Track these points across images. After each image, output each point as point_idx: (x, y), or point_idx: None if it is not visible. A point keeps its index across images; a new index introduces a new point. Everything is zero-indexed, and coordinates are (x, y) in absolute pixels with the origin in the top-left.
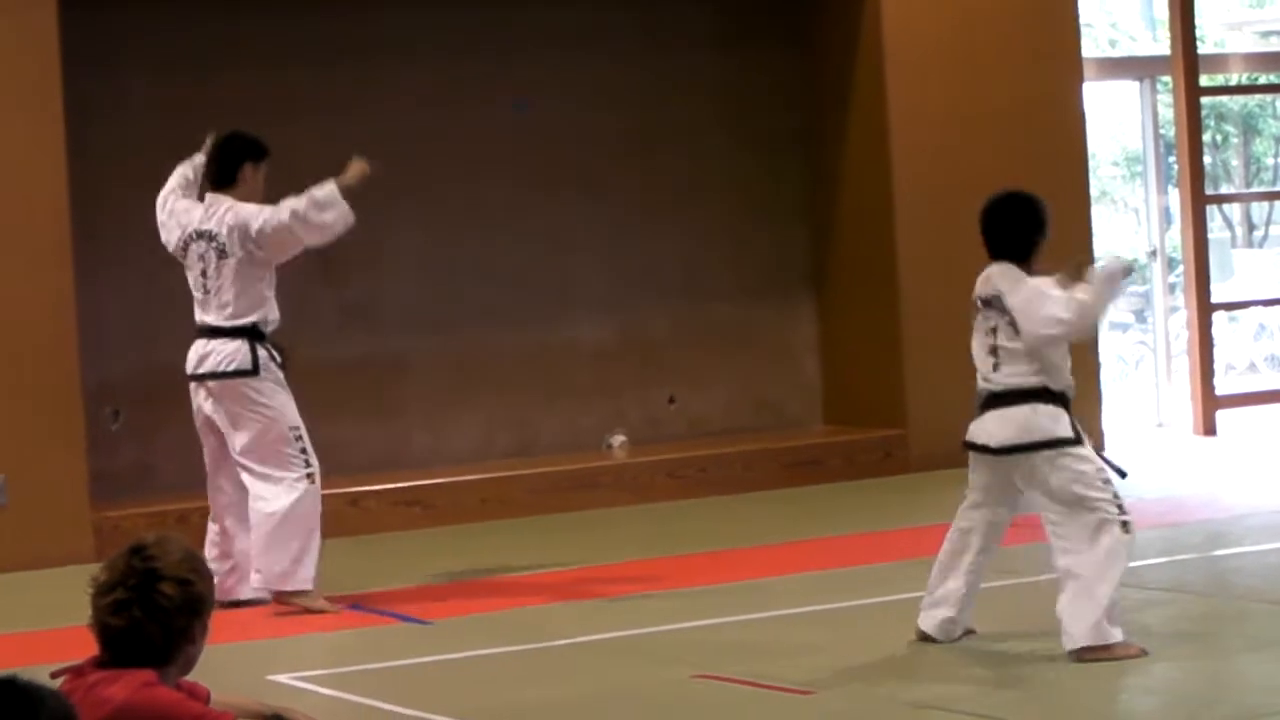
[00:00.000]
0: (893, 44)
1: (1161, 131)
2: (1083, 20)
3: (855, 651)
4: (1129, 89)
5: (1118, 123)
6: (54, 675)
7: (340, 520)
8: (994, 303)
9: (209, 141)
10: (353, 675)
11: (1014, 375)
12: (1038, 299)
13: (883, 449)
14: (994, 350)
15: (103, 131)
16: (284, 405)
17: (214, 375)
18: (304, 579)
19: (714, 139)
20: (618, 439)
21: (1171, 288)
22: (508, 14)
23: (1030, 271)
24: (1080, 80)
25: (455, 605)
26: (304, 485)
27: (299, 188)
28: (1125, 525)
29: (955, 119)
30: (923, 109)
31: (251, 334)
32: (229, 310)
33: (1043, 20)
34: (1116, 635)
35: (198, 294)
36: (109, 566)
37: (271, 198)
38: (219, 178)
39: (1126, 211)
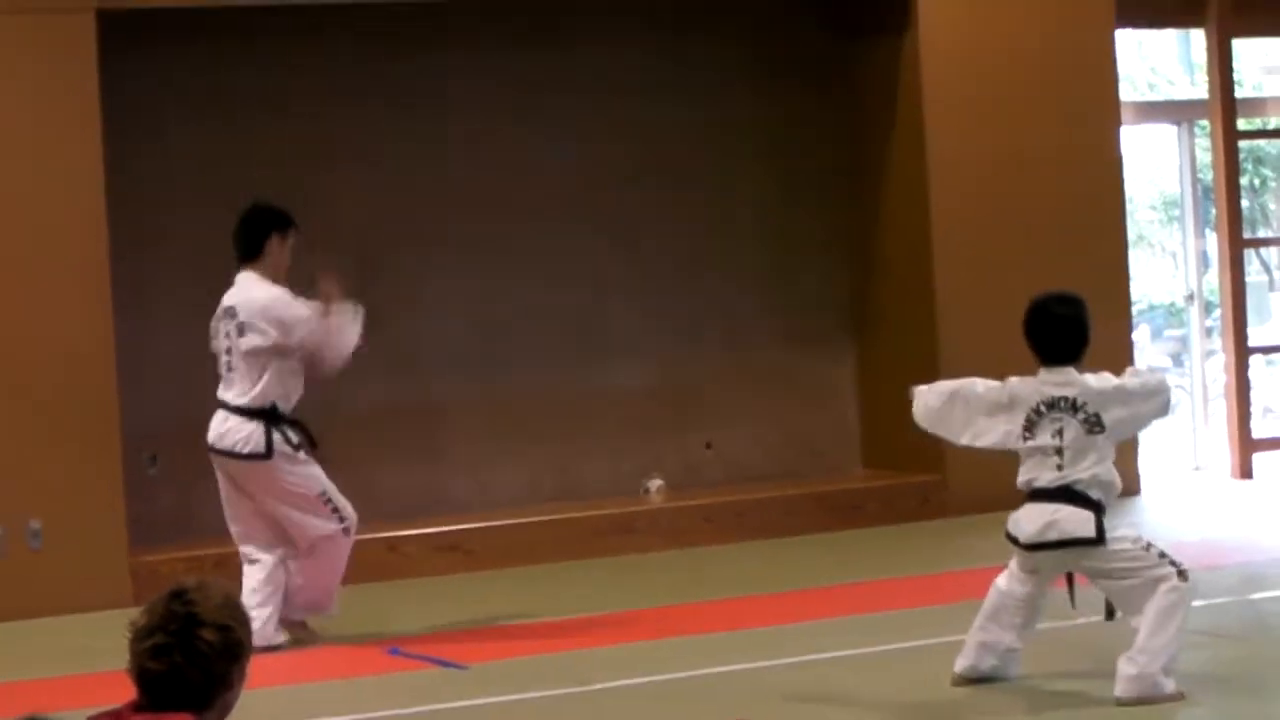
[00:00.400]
0: (931, 86)
1: (1199, 175)
2: (1121, 64)
3: (894, 696)
4: (1167, 133)
5: (1155, 166)
6: None
7: (379, 565)
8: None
9: None
10: None
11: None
12: None
13: (921, 494)
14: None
15: (143, 176)
16: (305, 476)
17: (230, 454)
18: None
19: (752, 181)
20: (655, 483)
21: (1209, 331)
22: (546, 57)
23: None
24: (1118, 124)
25: (494, 649)
26: (339, 537)
27: (338, 230)
28: (1182, 574)
29: (994, 162)
30: (962, 151)
31: (269, 416)
32: (248, 392)
33: (1081, 64)
34: (1168, 687)
35: (222, 370)
36: (149, 611)
37: (302, 256)
38: (245, 251)
39: (1164, 255)
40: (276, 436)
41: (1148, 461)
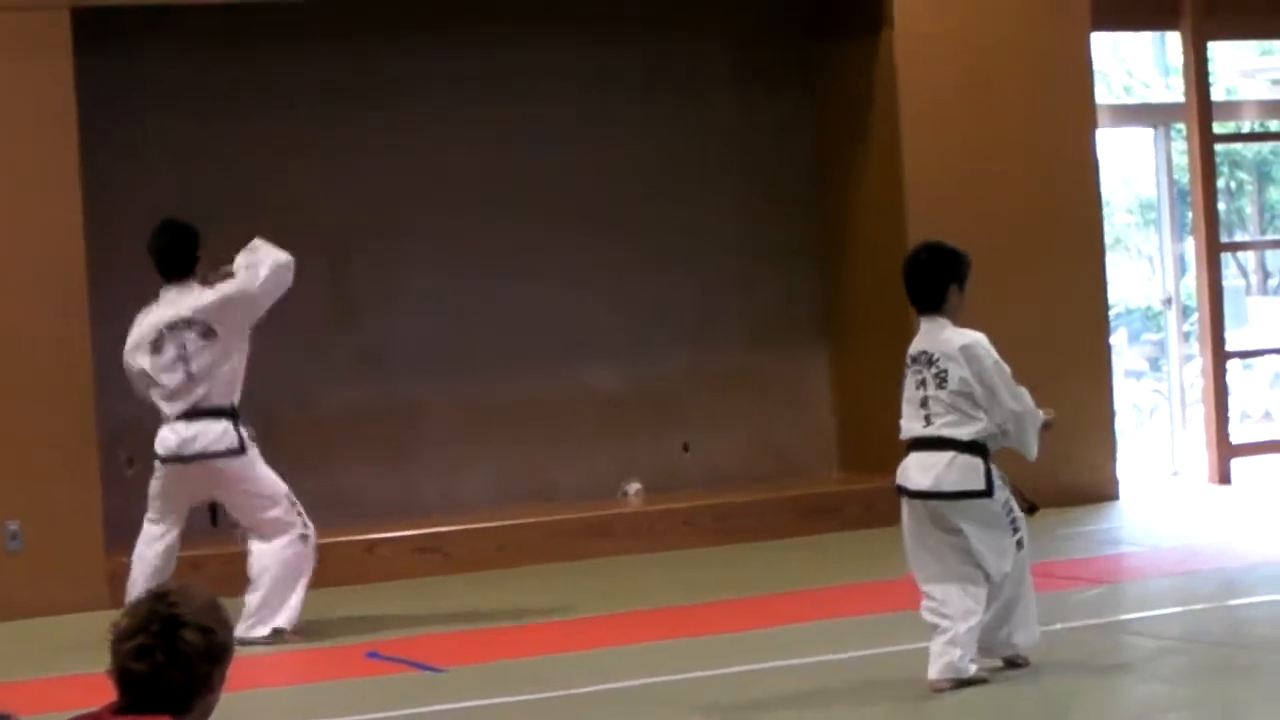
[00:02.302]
0: (906, 87)
1: (1175, 179)
2: (1096, 67)
3: (872, 700)
4: (1143, 136)
5: (1132, 170)
6: None
7: (356, 567)
8: None
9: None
10: None
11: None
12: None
13: (898, 496)
14: None
15: (119, 174)
16: (271, 477)
17: (205, 455)
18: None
19: (726, 180)
20: (633, 487)
21: (1186, 336)
22: (519, 55)
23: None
24: (1094, 127)
25: (471, 653)
26: (298, 545)
27: (311, 228)
28: None
29: (969, 165)
30: (936, 154)
31: (231, 415)
32: (216, 392)
33: (1056, 66)
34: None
35: (171, 382)
36: (131, 612)
37: (291, 246)
38: (178, 269)
39: (1141, 259)
40: (243, 431)
41: (1126, 466)
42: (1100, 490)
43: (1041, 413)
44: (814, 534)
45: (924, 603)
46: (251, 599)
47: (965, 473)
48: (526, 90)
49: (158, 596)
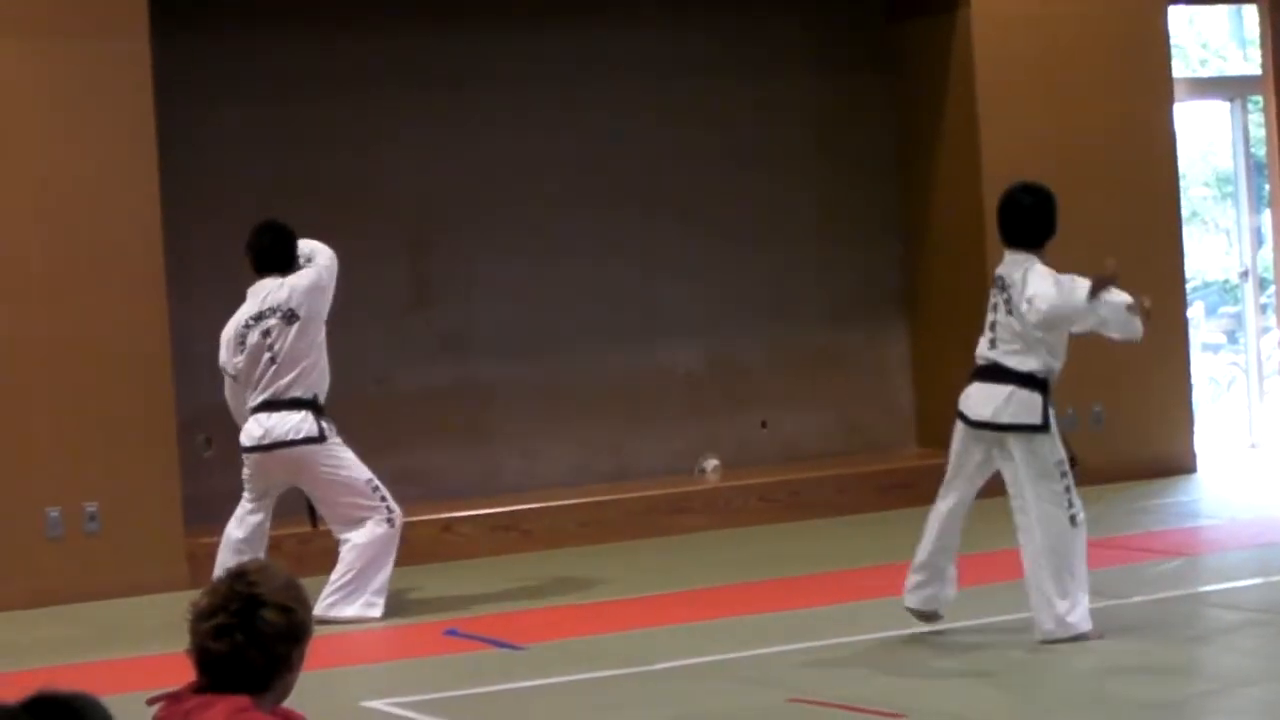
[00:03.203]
0: (983, 65)
1: (1252, 151)
2: (1173, 40)
3: (949, 674)
4: (1220, 109)
5: (1209, 143)
6: (150, 701)
7: (434, 546)
8: None
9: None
10: (447, 701)
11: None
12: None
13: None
14: None
15: (196, 158)
16: (353, 463)
17: (282, 444)
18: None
19: (804, 161)
20: (710, 463)
21: (1263, 308)
22: (598, 39)
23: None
24: (1170, 101)
25: (550, 630)
26: (384, 527)
27: (391, 212)
28: None
29: (1046, 140)
30: (1014, 130)
31: (314, 406)
32: (297, 384)
33: (1133, 41)
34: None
35: (256, 373)
36: (210, 592)
37: (338, 226)
38: (280, 266)
39: (1218, 232)
40: (324, 423)
41: (1203, 438)
42: (1178, 463)
43: (1122, 296)
44: (891, 509)
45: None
46: (335, 578)
47: (1022, 407)
48: (605, 75)
49: (237, 575)
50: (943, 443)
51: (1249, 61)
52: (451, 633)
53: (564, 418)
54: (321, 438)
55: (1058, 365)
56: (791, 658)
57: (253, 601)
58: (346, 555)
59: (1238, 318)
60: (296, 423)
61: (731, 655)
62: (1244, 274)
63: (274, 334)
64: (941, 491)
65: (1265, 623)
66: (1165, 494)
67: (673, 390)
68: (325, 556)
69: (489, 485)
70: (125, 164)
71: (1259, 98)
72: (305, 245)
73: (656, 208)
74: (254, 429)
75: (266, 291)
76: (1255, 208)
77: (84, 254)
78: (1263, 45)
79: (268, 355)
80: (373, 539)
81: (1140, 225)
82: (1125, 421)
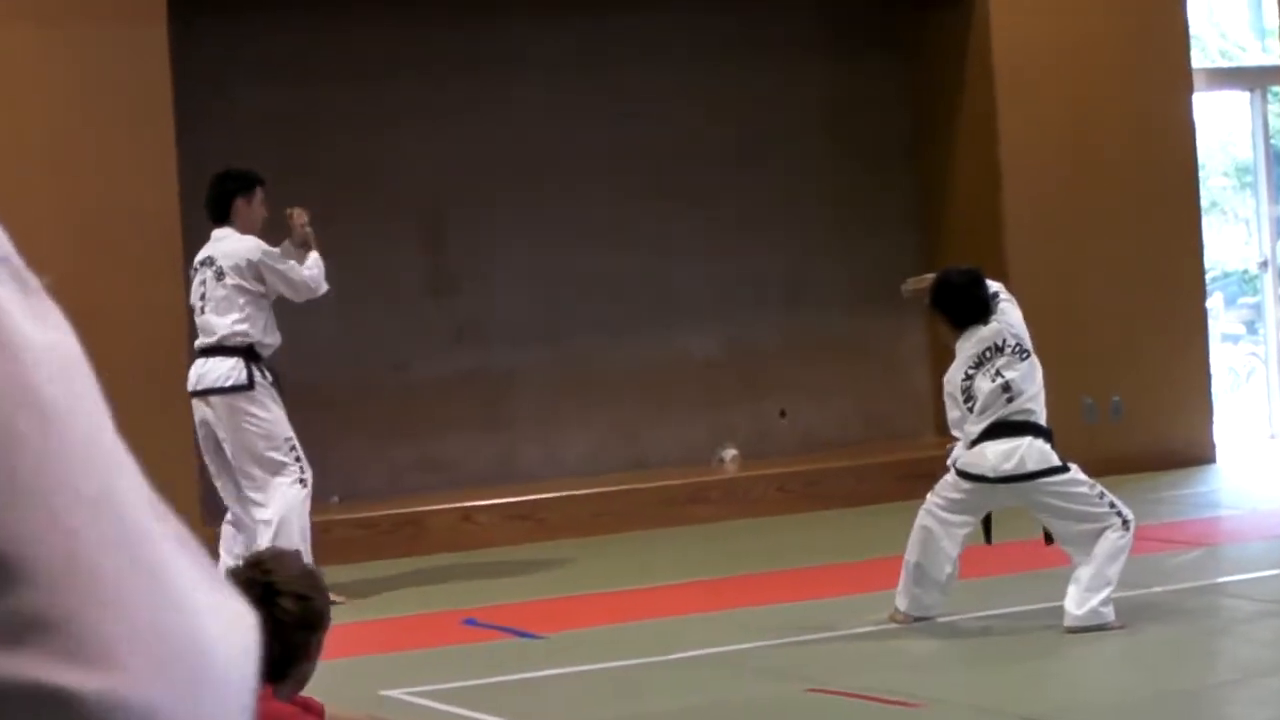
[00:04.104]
0: (1001, 53)
1: (1272, 141)
2: (1192, 31)
3: (967, 664)
4: (1239, 99)
5: (1228, 133)
6: None
7: (452, 535)
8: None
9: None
10: (466, 690)
11: None
12: None
13: None
14: None
15: (213, 144)
16: (278, 419)
17: (211, 391)
18: None
19: (820, 148)
20: (729, 453)
21: None
22: (613, 25)
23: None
24: (1190, 91)
25: (569, 619)
26: (296, 488)
27: (408, 198)
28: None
29: (1064, 130)
30: (1032, 118)
31: (247, 354)
32: (228, 328)
33: (1152, 31)
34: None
35: (198, 318)
36: (226, 580)
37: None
38: (215, 215)
39: (1237, 222)
40: (256, 372)
41: (1223, 430)
42: (1197, 454)
43: None
44: (910, 499)
45: None
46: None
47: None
48: (622, 61)
49: (253, 564)
50: None
51: (1268, 52)
52: (471, 622)
53: (581, 406)
54: (250, 385)
55: None
56: (810, 648)
57: (269, 590)
58: (261, 536)
59: (1257, 308)
60: (227, 369)
61: (750, 645)
62: (1263, 264)
63: (207, 286)
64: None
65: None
66: (1185, 485)
67: (690, 379)
68: (343, 546)
69: (506, 474)
70: (143, 148)
71: (1278, 88)
72: (311, 264)
73: (673, 195)
74: (191, 374)
75: (211, 240)
76: (1275, 198)
77: (101, 237)
78: None
79: (200, 304)
80: (287, 502)
81: (1159, 216)
82: (1145, 412)
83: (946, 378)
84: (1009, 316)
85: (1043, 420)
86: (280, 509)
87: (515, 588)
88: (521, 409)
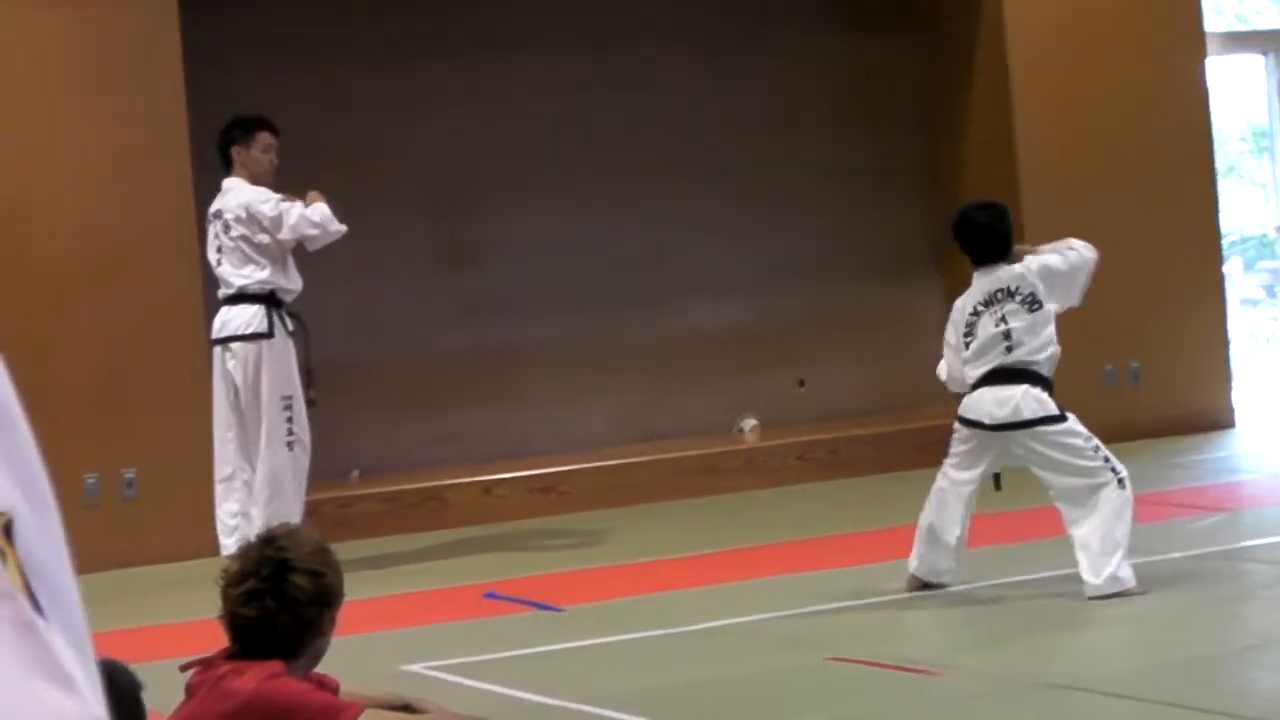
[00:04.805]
0: (1014, 22)
1: None
2: None
3: (987, 632)
4: (1255, 63)
5: (1244, 97)
6: (184, 668)
7: (472, 508)
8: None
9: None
10: (486, 664)
11: None
12: None
13: None
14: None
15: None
16: (292, 372)
17: (234, 339)
18: None
19: (836, 119)
20: (748, 423)
21: None
22: (629, 1)
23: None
24: (1203, 55)
25: (588, 592)
26: (284, 451)
27: (423, 175)
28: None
29: (1079, 96)
30: (1046, 85)
31: (269, 300)
32: (247, 277)
33: None
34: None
35: (215, 270)
36: (241, 557)
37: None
38: (223, 164)
39: (1254, 187)
40: (276, 319)
41: (1242, 394)
42: (1216, 418)
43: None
44: (929, 467)
45: None
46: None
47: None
48: (637, 35)
49: (267, 541)
50: None
51: None
52: (491, 595)
53: (600, 378)
54: (270, 333)
55: None
56: (830, 617)
57: (282, 566)
58: (260, 491)
59: (1275, 272)
60: (248, 318)
61: (770, 615)
62: None
63: (220, 238)
64: None
65: None
66: (1204, 449)
67: (709, 350)
68: (365, 521)
69: (526, 447)
70: (157, 131)
71: None
72: (317, 210)
73: (688, 167)
74: (214, 324)
75: (220, 192)
76: None
77: (117, 221)
78: None
79: (217, 257)
80: (280, 467)
81: (1175, 180)
82: (1163, 377)
83: (956, 303)
84: (1037, 262)
85: (1045, 372)
86: (272, 468)
87: (536, 561)
88: (541, 382)
